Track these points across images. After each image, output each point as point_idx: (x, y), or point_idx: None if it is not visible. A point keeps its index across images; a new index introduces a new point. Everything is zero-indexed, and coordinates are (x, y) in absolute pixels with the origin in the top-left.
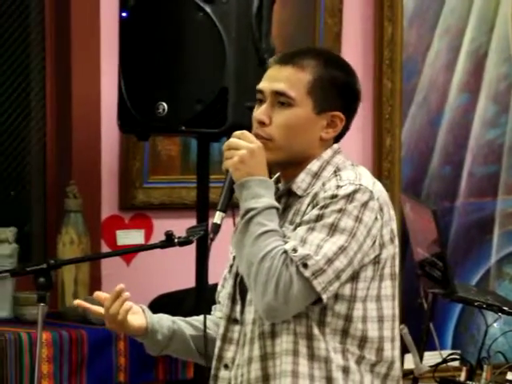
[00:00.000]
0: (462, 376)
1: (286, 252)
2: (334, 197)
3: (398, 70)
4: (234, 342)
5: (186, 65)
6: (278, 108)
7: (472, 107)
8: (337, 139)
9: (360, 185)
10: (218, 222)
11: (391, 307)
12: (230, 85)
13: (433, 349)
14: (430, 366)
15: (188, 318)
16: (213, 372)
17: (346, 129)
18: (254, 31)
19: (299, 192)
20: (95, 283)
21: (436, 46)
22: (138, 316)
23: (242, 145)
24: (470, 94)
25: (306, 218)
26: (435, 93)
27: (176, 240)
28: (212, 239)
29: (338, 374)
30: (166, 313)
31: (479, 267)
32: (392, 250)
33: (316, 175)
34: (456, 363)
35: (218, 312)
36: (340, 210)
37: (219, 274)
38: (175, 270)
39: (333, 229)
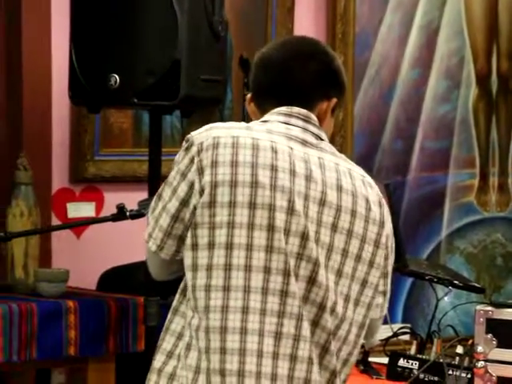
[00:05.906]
0: (413, 349)
1: None
2: None
3: (351, 44)
4: None
5: (138, 37)
6: None
7: (424, 82)
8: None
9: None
10: None
11: None
12: (183, 57)
13: (383, 322)
14: (381, 340)
15: None
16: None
17: None
18: (207, 3)
19: None
20: (45, 256)
21: (388, 20)
22: None
23: None
24: (421, 69)
25: None
26: (387, 67)
27: (128, 213)
28: None
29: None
30: (116, 286)
31: (430, 241)
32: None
33: None
34: (406, 337)
35: None
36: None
37: None
38: (126, 244)
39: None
